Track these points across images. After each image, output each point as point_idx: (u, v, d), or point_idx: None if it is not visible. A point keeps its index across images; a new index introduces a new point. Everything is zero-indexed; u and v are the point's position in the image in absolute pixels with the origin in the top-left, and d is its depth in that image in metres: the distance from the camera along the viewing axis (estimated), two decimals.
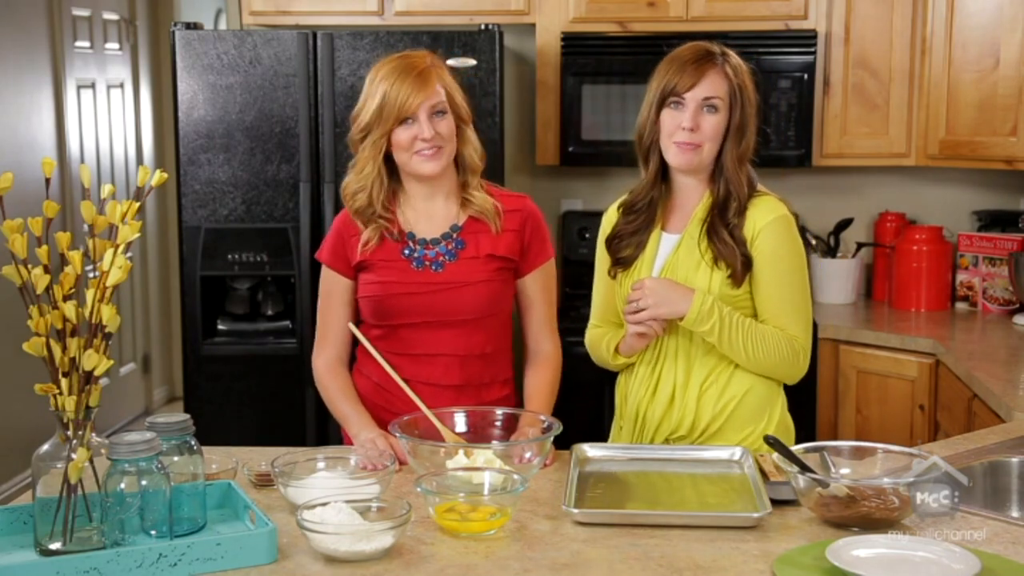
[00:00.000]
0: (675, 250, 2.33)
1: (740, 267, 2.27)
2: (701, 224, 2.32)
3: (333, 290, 2.42)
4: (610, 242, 2.43)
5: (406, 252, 2.36)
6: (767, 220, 2.29)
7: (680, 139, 2.27)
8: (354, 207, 2.37)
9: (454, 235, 2.37)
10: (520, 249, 2.40)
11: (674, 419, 2.34)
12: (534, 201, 2.48)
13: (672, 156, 2.30)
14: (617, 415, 2.50)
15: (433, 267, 2.35)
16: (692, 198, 2.36)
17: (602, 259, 2.47)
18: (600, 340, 2.45)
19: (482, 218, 2.38)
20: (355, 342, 2.44)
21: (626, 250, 2.39)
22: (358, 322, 2.43)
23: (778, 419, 2.37)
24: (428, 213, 2.39)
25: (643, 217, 2.38)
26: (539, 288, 2.45)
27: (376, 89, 2.29)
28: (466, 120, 2.37)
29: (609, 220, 2.47)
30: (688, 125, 2.26)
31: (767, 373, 2.34)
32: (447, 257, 2.36)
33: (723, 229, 2.28)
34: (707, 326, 2.25)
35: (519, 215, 2.41)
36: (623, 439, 2.44)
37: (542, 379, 2.44)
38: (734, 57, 2.32)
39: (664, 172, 2.37)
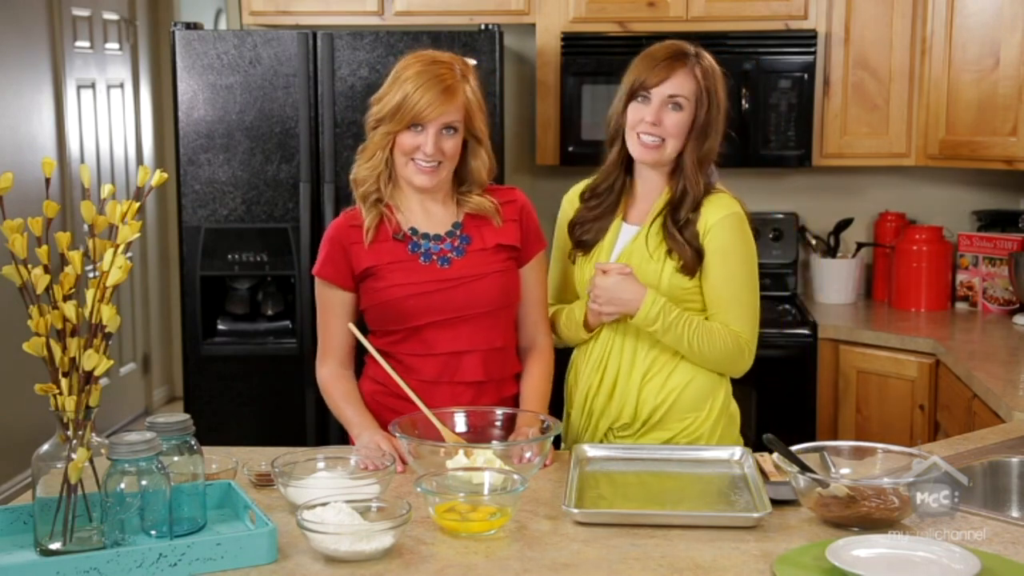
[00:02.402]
0: (633, 241, 2.39)
1: (691, 259, 2.33)
2: (657, 218, 2.38)
3: (331, 304, 2.40)
4: (572, 227, 2.48)
5: (411, 247, 2.35)
6: (718, 217, 2.34)
7: (642, 131, 2.33)
8: (361, 190, 2.35)
9: (457, 232, 2.37)
10: (521, 238, 2.42)
11: (615, 408, 2.39)
12: (533, 201, 2.49)
13: (634, 148, 2.37)
14: (567, 404, 2.53)
15: (440, 262, 2.35)
16: (653, 191, 2.41)
17: (561, 241, 2.53)
18: (558, 316, 2.50)
19: (482, 214, 2.39)
20: (361, 349, 2.43)
21: (587, 235, 2.45)
22: (366, 331, 2.42)
23: (720, 407, 2.41)
24: (425, 211, 2.38)
25: (605, 204, 2.44)
26: (535, 278, 2.46)
27: (400, 86, 2.27)
28: (480, 139, 2.35)
29: (571, 202, 2.53)
30: (650, 119, 2.32)
31: (711, 368, 2.39)
32: (455, 253, 2.36)
33: (673, 225, 2.34)
34: (655, 327, 2.31)
35: (514, 206, 2.42)
36: (573, 429, 2.48)
37: (539, 374, 2.44)
38: (707, 59, 2.37)
39: (629, 163, 2.42)
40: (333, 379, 2.41)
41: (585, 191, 2.50)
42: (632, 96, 2.35)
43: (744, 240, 2.37)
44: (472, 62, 2.41)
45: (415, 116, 2.25)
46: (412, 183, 2.32)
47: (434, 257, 2.35)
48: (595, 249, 2.43)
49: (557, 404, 2.48)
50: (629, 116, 2.35)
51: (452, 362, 2.36)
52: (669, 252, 2.34)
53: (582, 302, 2.44)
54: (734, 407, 2.47)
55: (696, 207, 2.35)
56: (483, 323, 2.37)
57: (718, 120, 2.36)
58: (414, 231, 2.36)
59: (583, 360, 2.47)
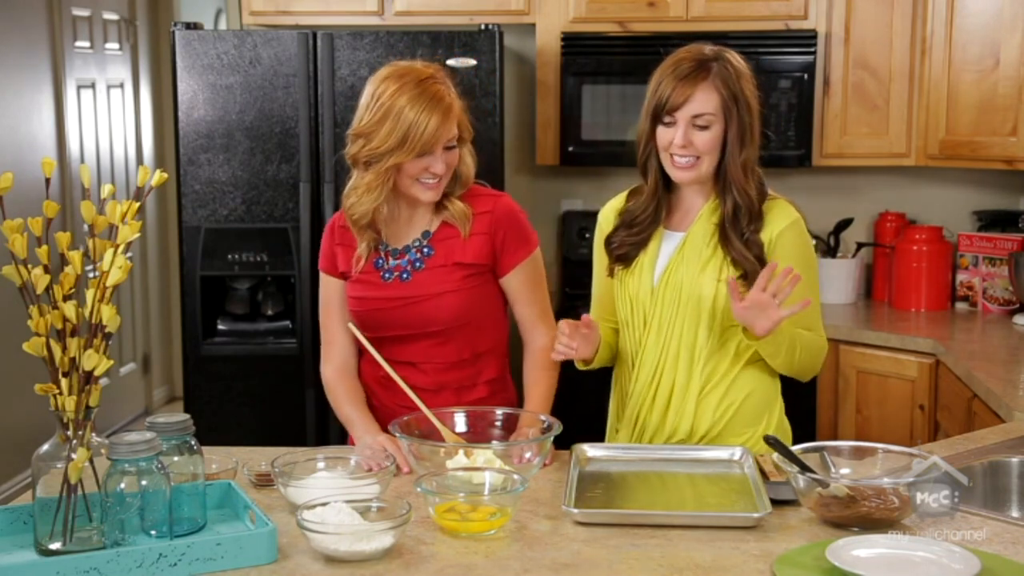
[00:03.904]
0: (679, 249, 2.32)
1: (754, 272, 2.25)
2: (708, 224, 2.31)
3: (332, 295, 2.44)
4: (609, 244, 2.41)
5: (377, 263, 2.38)
6: (782, 227, 2.29)
7: (675, 153, 2.27)
8: (359, 224, 2.36)
9: (425, 241, 2.37)
10: (491, 252, 2.37)
11: (670, 424, 2.34)
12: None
13: (671, 170, 2.30)
14: (613, 418, 2.48)
15: (402, 276, 2.36)
16: (697, 201, 2.35)
17: (600, 257, 2.45)
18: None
19: (453, 222, 2.36)
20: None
21: (625, 248, 2.38)
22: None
23: (776, 422, 2.38)
24: (406, 222, 2.39)
25: (647, 229, 2.37)
26: (522, 284, 2.42)
27: (399, 116, 2.22)
28: (466, 139, 2.35)
29: (607, 220, 2.44)
30: (680, 142, 2.26)
31: (797, 374, 2.35)
32: (416, 265, 2.36)
33: (737, 239, 2.27)
34: (774, 347, 2.24)
35: (489, 217, 2.37)
36: (620, 442, 2.43)
37: (537, 374, 2.43)
38: (731, 63, 2.27)
39: (666, 180, 2.34)
40: (337, 377, 2.44)
41: (622, 214, 2.40)
42: (657, 119, 2.28)
43: (808, 247, 2.35)
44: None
45: (424, 146, 2.24)
46: (420, 200, 2.32)
47: (395, 274, 2.37)
48: (637, 261, 2.36)
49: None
50: (659, 139, 2.29)
51: (403, 369, 2.37)
52: (734, 264, 2.26)
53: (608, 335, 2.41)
54: (786, 422, 2.42)
55: (756, 215, 2.28)
56: (437, 339, 2.37)
57: (752, 124, 2.28)
58: (384, 246, 2.38)
59: (630, 375, 2.39)
